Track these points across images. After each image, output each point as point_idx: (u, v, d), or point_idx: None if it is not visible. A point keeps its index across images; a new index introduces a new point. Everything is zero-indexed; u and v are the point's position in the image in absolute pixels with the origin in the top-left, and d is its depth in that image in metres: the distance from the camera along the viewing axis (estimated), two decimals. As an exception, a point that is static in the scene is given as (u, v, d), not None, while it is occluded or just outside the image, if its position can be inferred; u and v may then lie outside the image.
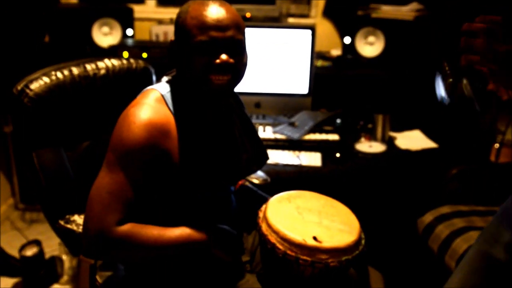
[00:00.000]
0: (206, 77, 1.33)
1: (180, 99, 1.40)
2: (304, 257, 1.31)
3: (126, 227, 1.29)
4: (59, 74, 1.61)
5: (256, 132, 1.63)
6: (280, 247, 1.33)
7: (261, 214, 1.44)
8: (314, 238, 1.34)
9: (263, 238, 1.38)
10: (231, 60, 1.33)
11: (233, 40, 1.33)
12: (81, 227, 1.52)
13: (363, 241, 1.42)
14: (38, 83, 1.56)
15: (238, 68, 1.36)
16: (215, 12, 1.31)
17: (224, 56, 1.32)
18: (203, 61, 1.32)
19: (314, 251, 1.32)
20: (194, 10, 1.32)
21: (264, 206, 1.48)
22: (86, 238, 1.29)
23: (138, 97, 1.39)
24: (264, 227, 1.39)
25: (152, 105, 1.34)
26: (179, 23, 1.35)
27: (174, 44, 1.39)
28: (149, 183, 1.33)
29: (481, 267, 1.53)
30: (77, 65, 1.66)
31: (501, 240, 1.50)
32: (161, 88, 1.40)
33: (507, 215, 1.50)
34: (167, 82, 1.44)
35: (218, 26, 1.31)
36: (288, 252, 1.32)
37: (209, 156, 1.44)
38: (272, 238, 1.35)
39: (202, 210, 1.46)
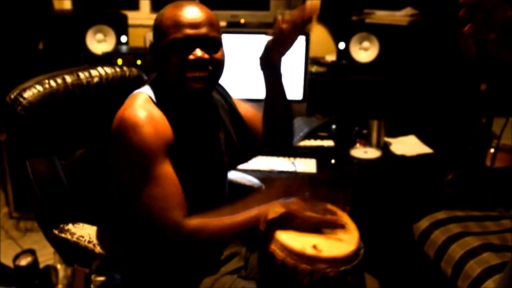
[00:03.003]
0: (182, 75, 1.37)
1: (163, 100, 1.42)
2: (303, 266, 1.31)
3: (194, 221, 1.32)
4: (52, 83, 1.60)
5: (244, 125, 1.66)
6: (280, 254, 1.33)
7: (261, 219, 1.44)
8: (314, 246, 1.33)
9: (262, 244, 1.38)
10: (206, 56, 1.37)
11: (207, 37, 1.37)
12: (75, 236, 1.51)
13: (362, 251, 1.42)
14: (31, 92, 1.55)
15: (214, 64, 1.40)
16: (188, 11, 1.37)
17: (198, 52, 1.36)
18: (178, 58, 1.36)
19: (313, 260, 1.31)
20: (169, 12, 1.38)
21: None
22: (165, 243, 1.32)
23: (128, 101, 1.41)
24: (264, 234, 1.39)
25: (143, 105, 1.37)
26: (156, 25, 1.41)
27: (152, 46, 1.44)
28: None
29: None
30: (70, 73, 1.65)
31: None
32: (147, 90, 1.43)
33: None
34: (150, 84, 1.47)
35: (192, 23, 1.36)
36: (288, 259, 1.32)
37: (195, 152, 1.47)
38: (272, 245, 1.35)
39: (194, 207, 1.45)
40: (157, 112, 1.37)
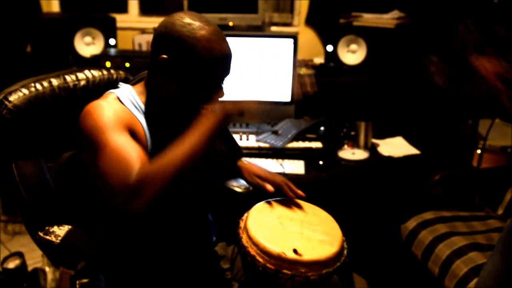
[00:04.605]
0: (198, 106, 1.43)
1: (150, 105, 1.44)
2: (284, 271, 1.30)
3: (138, 171, 1.20)
4: (39, 86, 1.59)
5: (227, 129, 1.69)
6: (260, 260, 1.32)
7: (242, 224, 1.43)
8: (295, 250, 1.32)
9: (243, 249, 1.37)
10: None
11: None
12: (59, 238, 1.51)
13: (345, 252, 1.41)
14: (17, 95, 1.54)
15: None
16: (230, 57, 1.38)
17: (223, 93, 1.42)
18: (209, 97, 1.40)
19: (294, 264, 1.30)
20: (208, 43, 1.33)
21: (245, 215, 1.47)
22: (121, 210, 1.21)
23: (98, 99, 1.42)
24: (244, 239, 1.38)
25: (111, 101, 1.38)
26: (187, 50, 1.33)
27: (170, 65, 1.36)
28: None
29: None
30: (56, 77, 1.65)
31: None
32: (119, 92, 1.43)
33: None
34: (132, 84, 1.49)
35: (227, 70, 1.39)
36: (268, 265, 1.31)
37: None
38: (252, 251, 1.34)
39: (175, 208, 1.46)
40: (120, 107, 1.38)
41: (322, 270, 1.32)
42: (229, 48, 1.38)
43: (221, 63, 1.36)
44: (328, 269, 1.33)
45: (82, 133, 1.32)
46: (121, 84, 1.49)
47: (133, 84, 1.50)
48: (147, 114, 1.42)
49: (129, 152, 1.24)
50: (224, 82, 1.42)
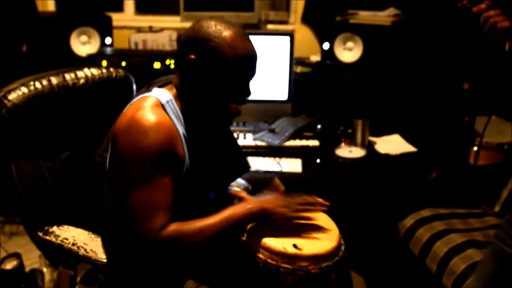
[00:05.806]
0: (227, 106, 1.44)
1: (185, 109, 1.46)
2: (285, 265, 1.32)
3: (170, 228, 1.30)
4: (38, 84, 1.59)
5: (235, 139, 1.71)
6: (261, 256, 1.34)
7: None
8: (294, 245, 1.35)
9: (243, 247, 1.39)
10: None
11: None
12: (59, 238, 1.51)
13: (343, 247, 1.44)
14: (16, 94, 1.54)
15: None
16: (255, 58, 1.43)
17: (252, 93, 1.46)
18: (237, 97, 1.43)
19: (295, 258, 1.33)
20: (233, 42, 1.38)
21: None
22: (141, 249, 1.32)
23: (138, 101, 1.42)
24: (244, 236, 1.41)
25: (154, 110, 1.38)
26: (213, 49, 1.38)
27: (198, 65, 1.40)
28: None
29: (498, 264, 1.61)
30: (56, 75, 1.65)
31: None
32: (160, 96, 1.43)
33: None
34: (164, 87, 1.48)
35: (253, 70, 1.44)
36: (269, 260, 1.33)
37: (210, 159, 1.52)
38: (253, 247, 1.36)
39: (203, 213, 1.46)
40: (166, 118, 1.39)
41: (322, 264, 1.34)
42: (254, 49, 1.42)
43: (246, 62, 1.40)
44: (328, 262, 1.35)
45: (121, 149, 1.33)
46: (155, 88, 1.48)
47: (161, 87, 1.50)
48: (184, 120, 1.44)
49: (168, 201, 1.32)
50: (251, 82, 1.45)
